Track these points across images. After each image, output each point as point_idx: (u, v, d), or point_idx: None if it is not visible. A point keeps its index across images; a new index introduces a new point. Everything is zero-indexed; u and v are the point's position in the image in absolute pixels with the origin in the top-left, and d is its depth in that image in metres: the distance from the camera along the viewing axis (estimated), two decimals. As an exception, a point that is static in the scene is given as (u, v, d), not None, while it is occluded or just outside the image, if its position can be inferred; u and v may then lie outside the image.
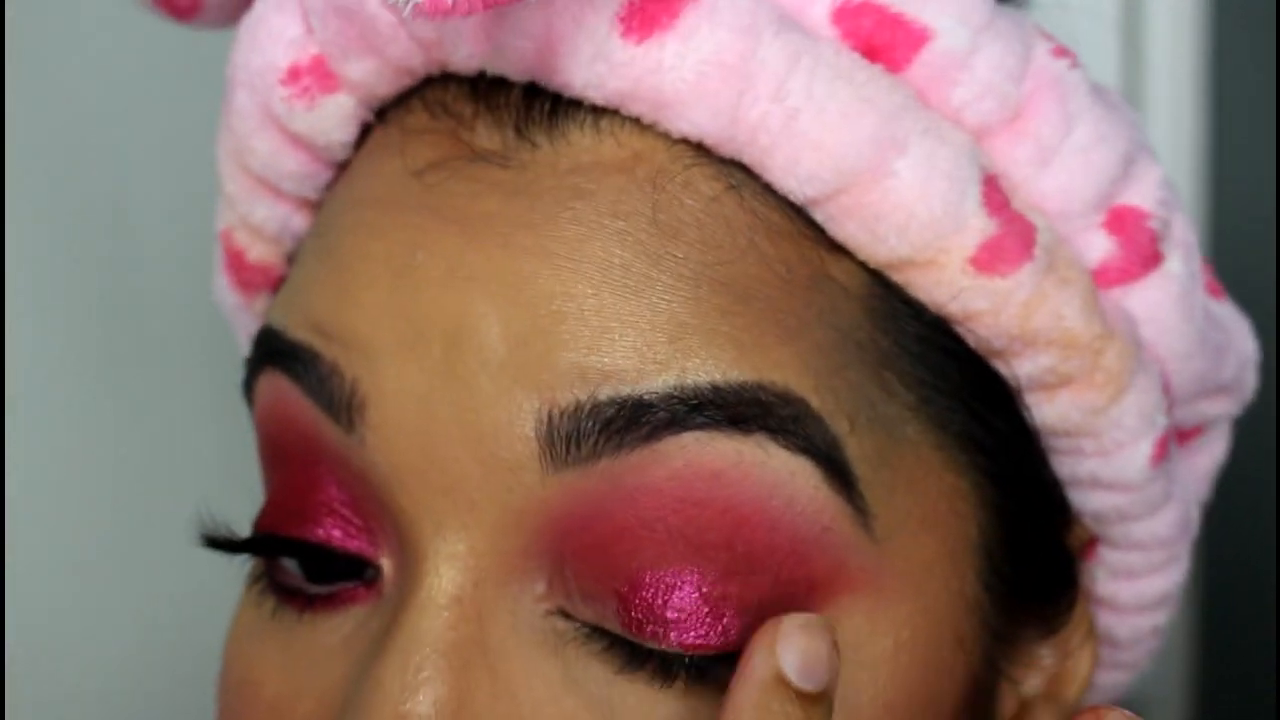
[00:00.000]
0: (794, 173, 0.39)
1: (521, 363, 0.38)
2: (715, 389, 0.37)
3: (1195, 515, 0.48)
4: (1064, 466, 0.44)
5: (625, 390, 0.37)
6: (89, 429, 0.71)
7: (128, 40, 0.70)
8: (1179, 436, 0.47)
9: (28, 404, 0.68)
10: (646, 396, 0.37)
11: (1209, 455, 0.50)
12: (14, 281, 0.67)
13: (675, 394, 0.37)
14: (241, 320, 0.50)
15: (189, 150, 0.70)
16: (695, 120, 0.39)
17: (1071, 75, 0.42)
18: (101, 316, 0.71)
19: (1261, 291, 0.63)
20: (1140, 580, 0.48)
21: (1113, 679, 0.52)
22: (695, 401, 0.37)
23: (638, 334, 0.38)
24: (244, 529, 0.44)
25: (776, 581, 0.38)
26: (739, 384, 0.38)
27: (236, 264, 0.48)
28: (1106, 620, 0.49)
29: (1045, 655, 0.46)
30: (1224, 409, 0.49)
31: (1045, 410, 0.42)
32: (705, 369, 0.37)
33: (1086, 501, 0.45)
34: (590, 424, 0.37)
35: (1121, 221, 0.42)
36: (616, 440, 0.37)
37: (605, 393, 0.37)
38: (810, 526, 0.38)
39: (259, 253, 0.47)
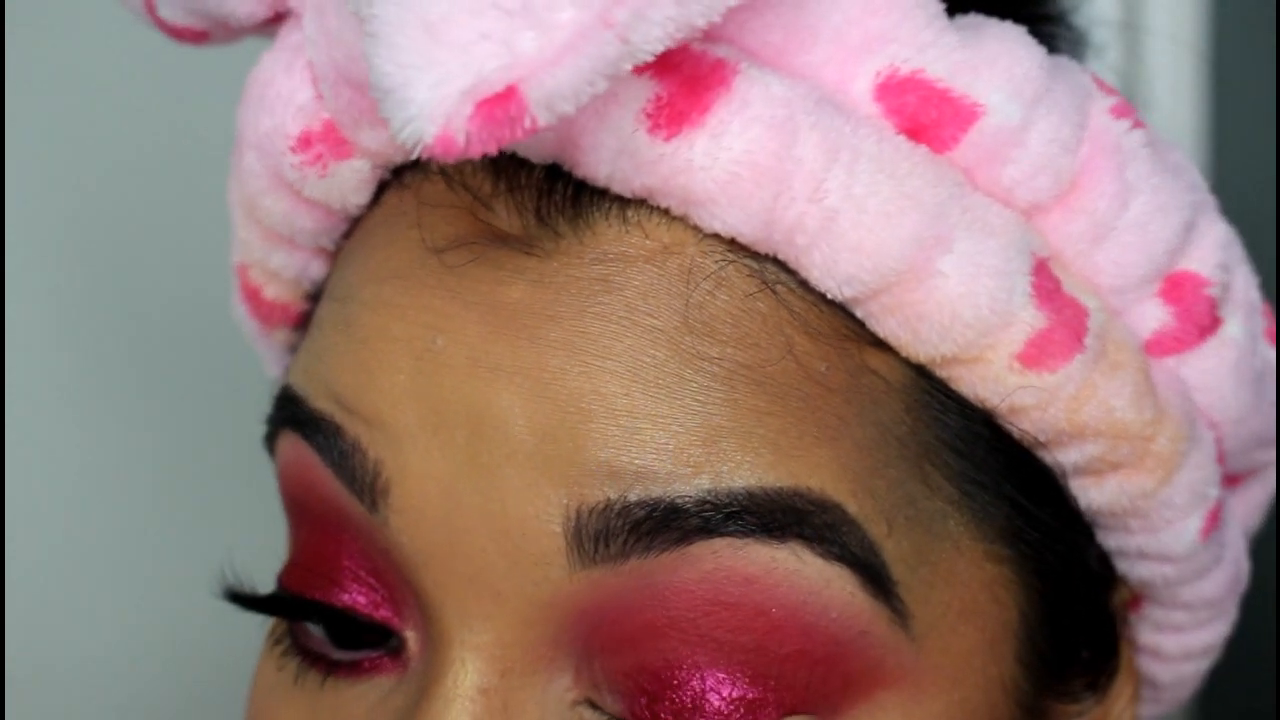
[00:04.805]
0: (832, 274, 0.36)
1: (549, 457, 0.36)
2: (750, 495, 0.35)
3: (1245, 567, 0.46)
4: (1109, 539, 0.42)
5: (657, 492, 0.35)
6: (93, 433, 0.69)
7: (129, 39, 0.66)
8: (1229, 480, 0.45)
9: (30, 409, 0.67)
10: (679, 500, 0.35)
11: (1262, 489, 0.48)
12: (15, 285, 0.66)
13: (709, 499, 0.35)
14: (262, 344, 0.48)
15: (195, 151, 0.69)
16: (727, 220, 0.36)
17: (1130, 139, 0.39)
18: (106, 323, 0.70)
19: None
20: (1186, 634, 0.46)
21: (1150, 712, 0.50)
22: (730, 508, 0.35)
23: (670, 436, 0.35)
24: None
25: (809, 684, 0.36)
26: (775, 490, 0.35)
27: (253, 299, 0.46)
28: (1150, 667, 0.47)
29: (1085, 699, 0.43)
30: (1276, 455, 0.46)
31: (1092, 495, 0.40)
32: (740, 474, 0.35)
33: (1132, 569, 0.43)
34: (619, 524, 0.35)
35: (1179, 290, 0.40)
36: (646, 542, 0.35)
37: (636, 494, 0.35)
38: (845, 632, 0.36)
39: (275, 292, 0.45)
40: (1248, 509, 0.48)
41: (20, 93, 0.66)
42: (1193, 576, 0.43)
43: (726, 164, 0.35)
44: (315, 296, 0.45)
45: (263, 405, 0.43)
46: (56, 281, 0.68)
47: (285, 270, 0.44)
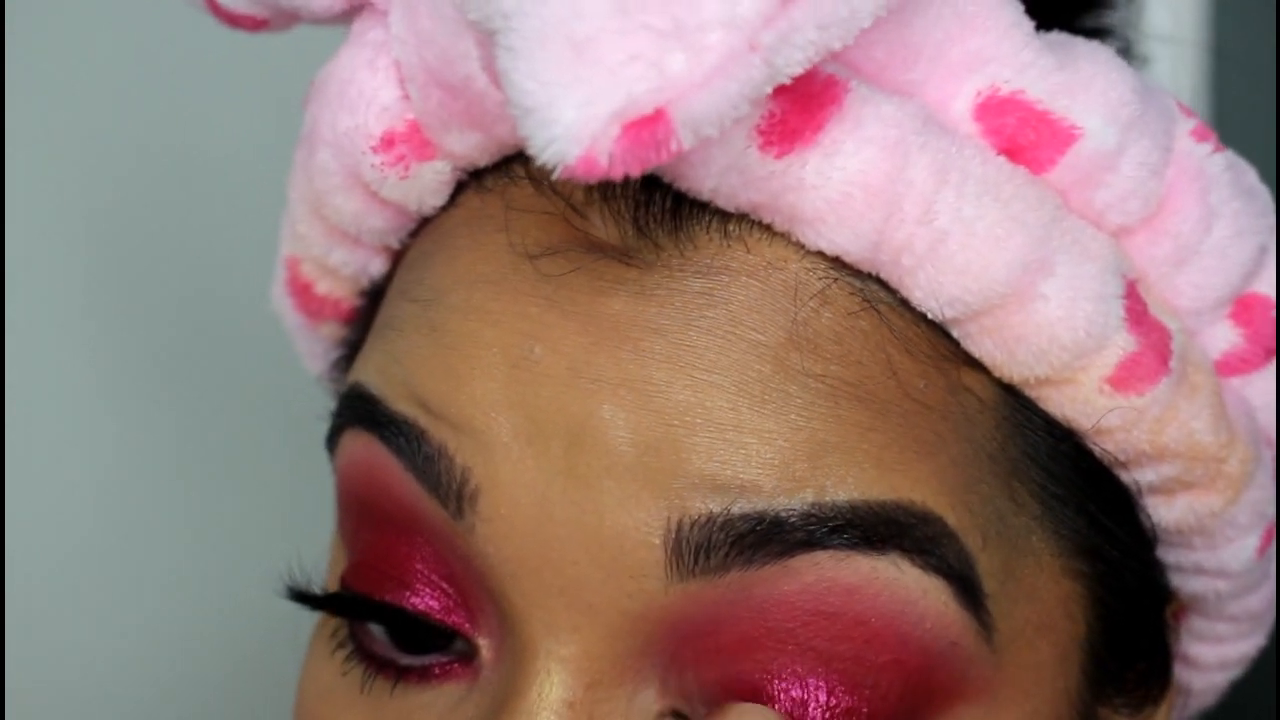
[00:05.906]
0: (936, 295, 0.36)
1: (651, 469, 0.35)
2: (854, 509, 0.35)
3: None
4: (1169, 555, 0.42)
5: (761, 506, 0.35)
6: (91, 433, 0.68)
7: (130, 39, 0.67)
8: None
9: (30, 408, 0.66)
10: (783, 514, 0.35)
11: None
12: (16, 284, 0.65)
13: (813, 513, 0.35)
14: (305, 338, 0.47)
15: (197, 148, 0.68)
16: (835, 239, 0.36)
17: (1213, 163, 0.39)
18: (104, 321, 0.69)
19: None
20: (1225, 645, 0.46)
21: (1175, 716, 0.51)
22: (834, 522, 0.35)
23: (774, 451, 0.35)
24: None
25: (902, 694, 0.36)
26: (878, 504, 0.35)
27: (302, 293, 0.45)
28: (1185, 675, 0.47)
29: (1135, 710, 0.44)
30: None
31: (1162, 512, 0.40)
32: (844, 488, 0.35)
33: (1185, 584, 0.43)
34: (722, 537, 0.35)
35: (1249, 312, 0.40)
36: (748, 555, 0.35)
37: (740, 507, 0.35)
38: (936, 642, 0.36)
39: (329, 287, 0.44)
40: None
41: (21, 93, 0.65)
42: (1243, 591, 0.44)
43: (839, 184, 0.35)
44: (371, 293, 0.44)
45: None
46: (57, 280, 0.67)
47: (345, 267, 0.43)
